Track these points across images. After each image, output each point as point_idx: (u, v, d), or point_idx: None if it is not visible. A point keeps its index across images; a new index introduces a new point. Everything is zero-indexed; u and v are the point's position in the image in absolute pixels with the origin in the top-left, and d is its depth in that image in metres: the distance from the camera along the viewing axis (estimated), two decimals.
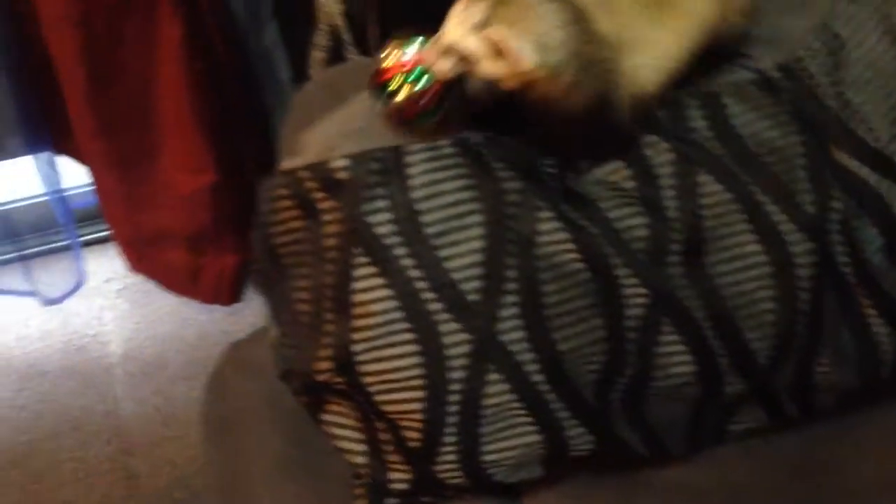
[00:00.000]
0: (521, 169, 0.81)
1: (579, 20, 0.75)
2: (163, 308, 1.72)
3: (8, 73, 1.37)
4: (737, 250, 0.82)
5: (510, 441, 0.80)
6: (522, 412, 0.80)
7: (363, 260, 0.79)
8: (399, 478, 0.83)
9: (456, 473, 0.82)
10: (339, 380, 0.82)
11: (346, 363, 0.80)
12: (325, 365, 0.82)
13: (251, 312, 1.71)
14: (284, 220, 0.86)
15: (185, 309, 1.72)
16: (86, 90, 1.30)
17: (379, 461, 0.84)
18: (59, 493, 1.46)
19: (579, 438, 0.82)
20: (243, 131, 1.42)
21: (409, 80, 0.76)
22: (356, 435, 0.86)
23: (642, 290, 0.81)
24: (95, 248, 1.78)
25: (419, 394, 0.79)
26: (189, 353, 1.65)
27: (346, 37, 1.10)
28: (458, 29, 0.72)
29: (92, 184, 1.55)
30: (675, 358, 0.83)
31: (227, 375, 1.04)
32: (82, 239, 1.73)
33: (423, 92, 0.77)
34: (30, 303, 1.70)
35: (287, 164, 0.86)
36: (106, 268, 1.77)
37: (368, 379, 0.80)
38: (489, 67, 0.73)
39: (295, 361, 0.86)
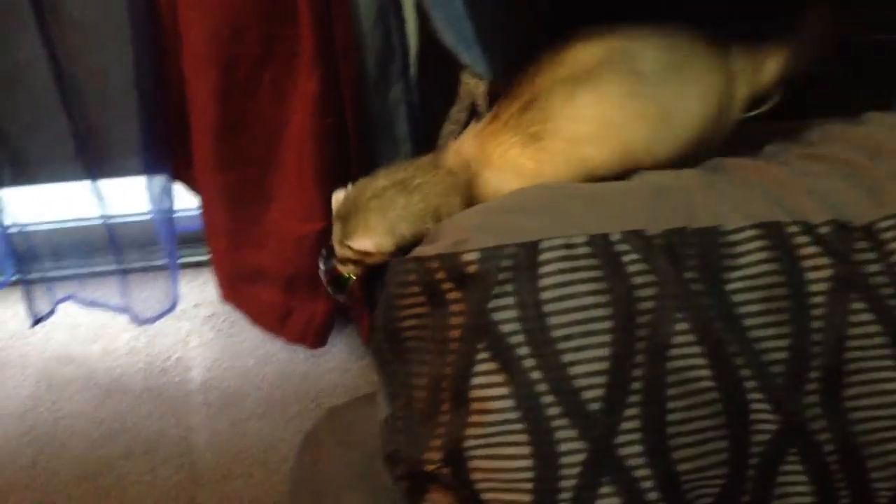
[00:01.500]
0: (661, 269, 0.80)
1: (408, 190, 0.98)
2: (247, 341, 1.74)
3: (141, 96, 1.40)
4: (877, 386, 0.79)
5: None
6: None
7: (485, 356, 0.78)
8: None
9: None
10: (446, 471, 0.81)
11: (456, 456, 0.79)
12: (435, 455, 0.81)
13: (332, 359, 1.73)
14: (411, 304, 0.85)
15: (269, 346, 1.74)
16: (215, 128, 1.33)
17: None
18: None
19: None
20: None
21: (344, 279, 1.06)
22: None
23: (774, 417, 0.78)
24: (189, 271, 1.82)
25: (527, 497, 0.77)
26: (267, 391, 1.66)
27: (484, 114, 1.11)
28: (337, 246, 1.01)
29: (200, 212, 1.59)
30: (796, 488, 0.79)
31: (323, 440, 1.04)
32: (183, 260, 1.76)
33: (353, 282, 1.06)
34: (121, 319, 1.74)
35: (419, 250, 0.86)
36: (197, 293, 1.81)
37: (477, 475, 0.79)
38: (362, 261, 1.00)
39: (404, 446, 0.85)
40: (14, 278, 1.70)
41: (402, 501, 0.88)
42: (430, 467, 0.82)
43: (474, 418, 0.79)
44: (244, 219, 1.54)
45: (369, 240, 0.98)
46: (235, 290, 1.68)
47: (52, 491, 1.50)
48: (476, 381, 0.79)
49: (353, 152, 1.38)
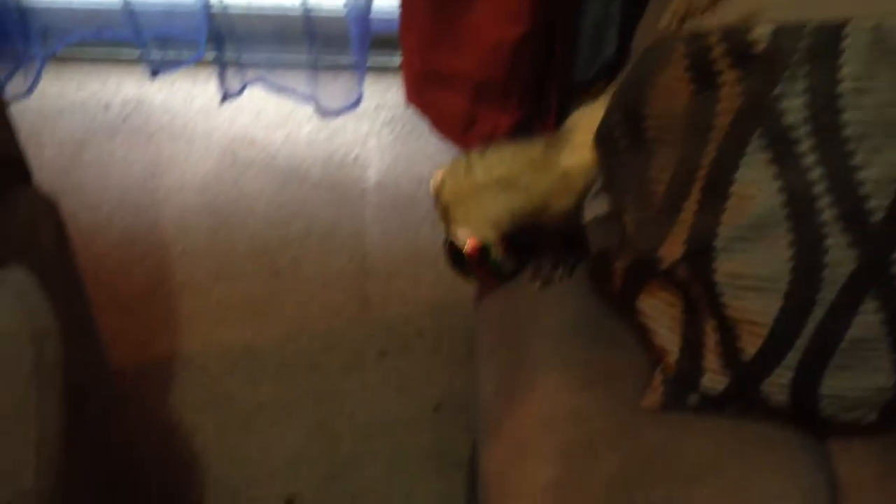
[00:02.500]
0: None
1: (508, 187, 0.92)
2: (424, 149, 1.73)
3: None
4: None
5: (858, 380, 0.74)
6: (884, 351, 0.72)
7: (759, 144, 0.72)
8: (713, 380, 0.79)
9: (782, 396, 0.76)
10: (683, 268, 0.77)
11: (701, 254, 0.75)
12: (673, 250, 0.77)
13: None
14: (669, 86, 0.79)
15: (445, 155, 1.72)
16: None
17: (695, 360, 0.80)
18: (295, 292, 1.52)
19: None
20: None
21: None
22: (675, 328, 0.81)
23: None
24: (374, 74, 1.79)
25: (776, 305, 0.73)
26: None
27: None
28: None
29: (398, 11, 1.54)
30: None
31: None
32: (369, 62, 1.74)
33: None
34: (306, 110, 1.75)
35: (694, 25, 0.79)
36: (379, 96, 1.79)
37: (722, 276, 0.75)
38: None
39: (633, 242, 0.81)
40: (208, 56, 1.72)
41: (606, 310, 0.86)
42: (666, 264, 0.78)
43: (731, 213, 0.74)
44: (444, 19, 1.49)
45: (471, 232, 0.97)
46: (420, 92, 1.65)
47: (228, 262, 1.56)
48: (742, 172, 0.73)
49: None
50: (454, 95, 1.59)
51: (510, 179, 0.94)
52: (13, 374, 0.77)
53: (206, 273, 1.54)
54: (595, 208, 0.90)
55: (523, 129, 1.68)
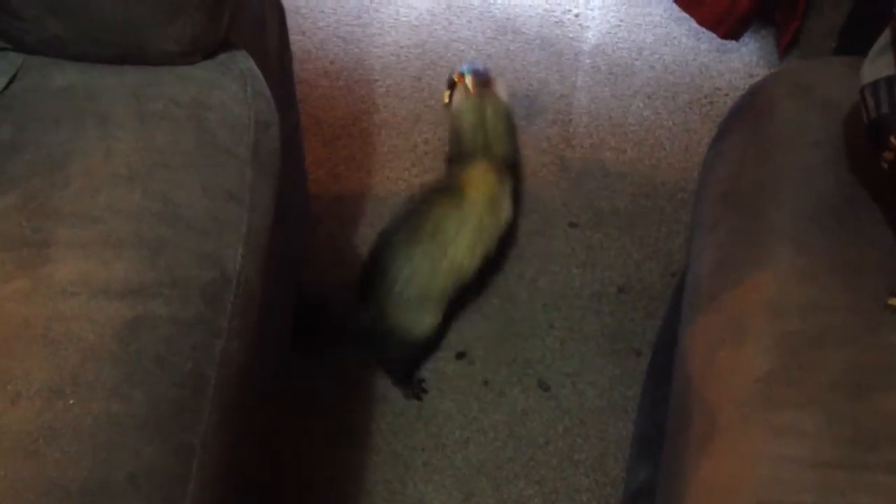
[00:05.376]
0: None
1: None
2: (652, 16, 1.60)
3: None
4: None
5: None
6: None
7: None
8: None
9: None
10: None
11: None
12: None
13: (739, 59, 1.55)
14: None
15: (673, 26, 1.59)
16: None
17: None
18: None
19: None
20: None
21: None
22: None
23: None
24: None
25: None
26: (659, 73, 1.54)
27: None
28: None
29: None
30: None
31: (777, 95, 0.90)
32: None
33: None
34: None
35: None
36: None
37: None
38: None
39: None
40: None
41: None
42: None
43: None
44: None
45: None
46: None
47: (429, 106, 1.52)
48: None
49: None
50: None
51: None
52: (234, 157, 0.76)
53: (407, 115, 1.51)
54: (876, 70, 0.77)
55: (762, 16, 1.51)
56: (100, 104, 0.72)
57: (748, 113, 0.93)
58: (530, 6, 1.62)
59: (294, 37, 1.57)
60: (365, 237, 1.35)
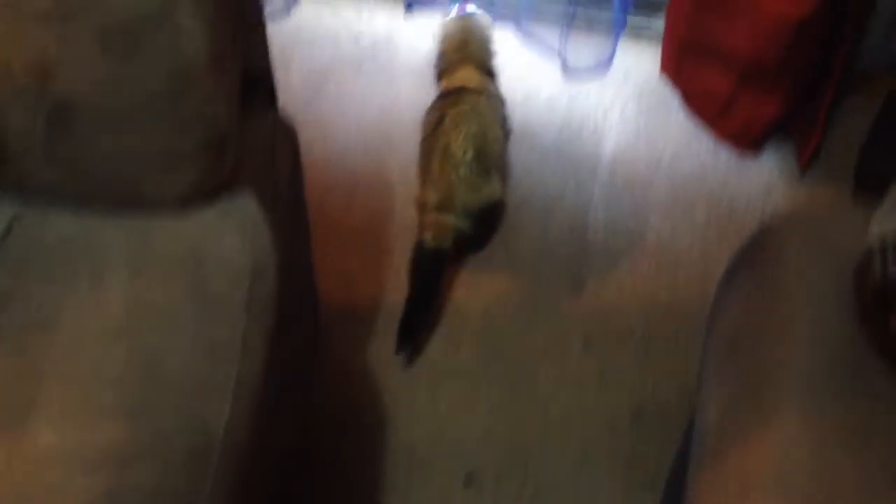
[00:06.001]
0: None
1: None
2: (669, 128, 1.59)
3: None
4: None
5: None
6: None
7: None
8: None
9: None
10: None
11: None
12: None
13: (759, 173, 1.53)
14: None
15: (691, 139, 1.58)
16: None
17: None
18: (508, 259, 1.46)
19: None
20: None
21: None
22: None
23: None
24: (630, 39, 1.68)
25: None
26: (677, 187, 1.53)
27: None
28: None
29: None
30: None
31: (787, 241, 0.88)
32: (628, 23, 1.63)
33: None
34: (551, 68, 1.67)
35: None
36: (630, 63, 1.67)
37: None
38: None
39: None
40: None
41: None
42: None
43: None
44: None
45: None
46: (678, 63, 1.51)
47: None
48: None
49: None
50: (715, 72, 1.45)
51: None
52: (227, 306, 0.75)
53: None
54: (888, 224, 0.75)
55: (782, 129, 1.50)
56: (93, 257, 0.72)
57: (756, 255, 0.91)
58: (549, 116, 1.62)
59: (316, 145, 1.59)
60: (373, 351, 1.34)
